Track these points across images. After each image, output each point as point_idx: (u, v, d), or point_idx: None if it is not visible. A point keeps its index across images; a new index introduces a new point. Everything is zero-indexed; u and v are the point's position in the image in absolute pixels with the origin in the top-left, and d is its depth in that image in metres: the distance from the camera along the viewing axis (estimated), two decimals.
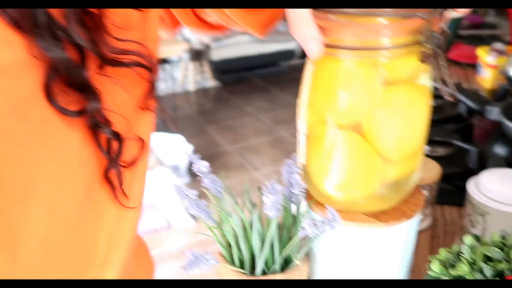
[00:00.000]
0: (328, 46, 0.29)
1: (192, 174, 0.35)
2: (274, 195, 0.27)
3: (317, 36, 0.29)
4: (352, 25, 0.27)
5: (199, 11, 0.39)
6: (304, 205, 0.33)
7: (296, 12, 0.29)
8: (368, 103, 0.30)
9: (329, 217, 0.27)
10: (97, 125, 0.28)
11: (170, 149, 2.15)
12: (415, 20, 0.26)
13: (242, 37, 3.72)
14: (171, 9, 0.40)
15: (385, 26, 0.27)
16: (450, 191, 0.63)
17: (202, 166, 0.34)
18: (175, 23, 0.43)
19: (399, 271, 0.39)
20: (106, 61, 0.28)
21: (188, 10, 0.39)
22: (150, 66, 0.31)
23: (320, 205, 0.36)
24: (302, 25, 0.28)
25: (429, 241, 0.55)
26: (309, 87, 0.33)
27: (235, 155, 2.58)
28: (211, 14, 0.37)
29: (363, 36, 0.28)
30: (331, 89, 0.31)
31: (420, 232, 0.56)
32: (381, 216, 0.36)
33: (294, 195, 0.31)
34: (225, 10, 0.33)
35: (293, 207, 0.33)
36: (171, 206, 1.82)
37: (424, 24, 0.27)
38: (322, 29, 0.29)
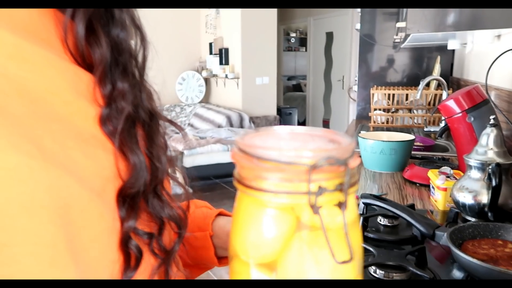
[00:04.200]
0: (249, 187, 0.31)
1: None
2: None
3: None
4: (275, 170, 0.29)
5: None
6: None
7: None
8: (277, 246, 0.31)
9: None
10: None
11: None
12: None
13: (215, 146, 3.84)
14: None
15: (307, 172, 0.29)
16: None
17: None
18: None
19: None
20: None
21: None
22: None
23: None
24: None
25: None
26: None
27: None
28: None
29: (286, 181, 0.30)
30: (246, 226, 0.32)
31: None
32: None
33: None
34: None
35: None
36: None
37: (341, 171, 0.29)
38: (246, 169, 0.31)
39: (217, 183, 3.94)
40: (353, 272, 0.32)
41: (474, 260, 0.60)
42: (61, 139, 0.31)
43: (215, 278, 2.35)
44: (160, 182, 0.39)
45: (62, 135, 0.31)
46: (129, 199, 0.35)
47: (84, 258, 0.31)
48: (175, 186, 0.44)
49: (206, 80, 5.53)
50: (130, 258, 0.34)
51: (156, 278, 0.38)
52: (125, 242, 0.34)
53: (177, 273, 0.42)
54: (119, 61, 0.37)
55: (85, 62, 0.36)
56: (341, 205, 0.30)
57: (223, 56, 5.02)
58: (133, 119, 0.37)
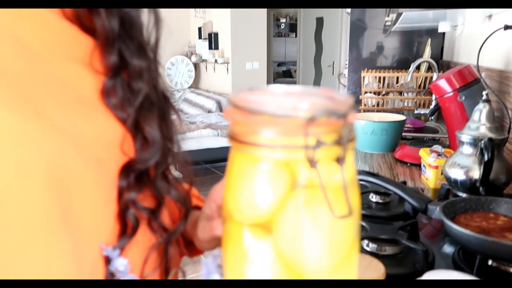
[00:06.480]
0: (244, 142, 0.29)
1: None
2: None
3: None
4: (271, 123, 0.28)
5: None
6: None
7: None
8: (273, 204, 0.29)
9: None
10: None
11: None
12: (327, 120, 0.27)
13: (205, 131, 3.82)
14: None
15: (304, 125, 0.27)
16: None
17: (120, 265, 0.31)
18: None
19: None
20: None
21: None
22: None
23: None
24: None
25: None
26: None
27: None
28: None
29: (282, 135, 0.28)
30: (240, 185, 0.31)
31: None
32: None
33: None
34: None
35: None
36: None
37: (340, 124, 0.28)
38: (240, 124, 0.29)
39: (207, 168, 3.92)
40: (351, 229, 0.30)
41: (467, 231, 0.60)
42: (60, 101, 0.29)
43: None
44: (169, 164, 0.39)
45: (61, 98, 0.30)
46: (134, 174, 0.34)
47: (79, 225, 0.29)
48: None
49: (196, 65, 5.46)
50: (127, 227, 0.33)
51: (154, 255, 0.37)
52: (123, 212, 0.33)
53: (176, 252, 0.41)
54: (132, 35, 0.35)
55: (84, 25, 0.34)
56: (339, 160, 0.28)
57: (213, 41, 4.95)
58: (149, 100, 0.36)
